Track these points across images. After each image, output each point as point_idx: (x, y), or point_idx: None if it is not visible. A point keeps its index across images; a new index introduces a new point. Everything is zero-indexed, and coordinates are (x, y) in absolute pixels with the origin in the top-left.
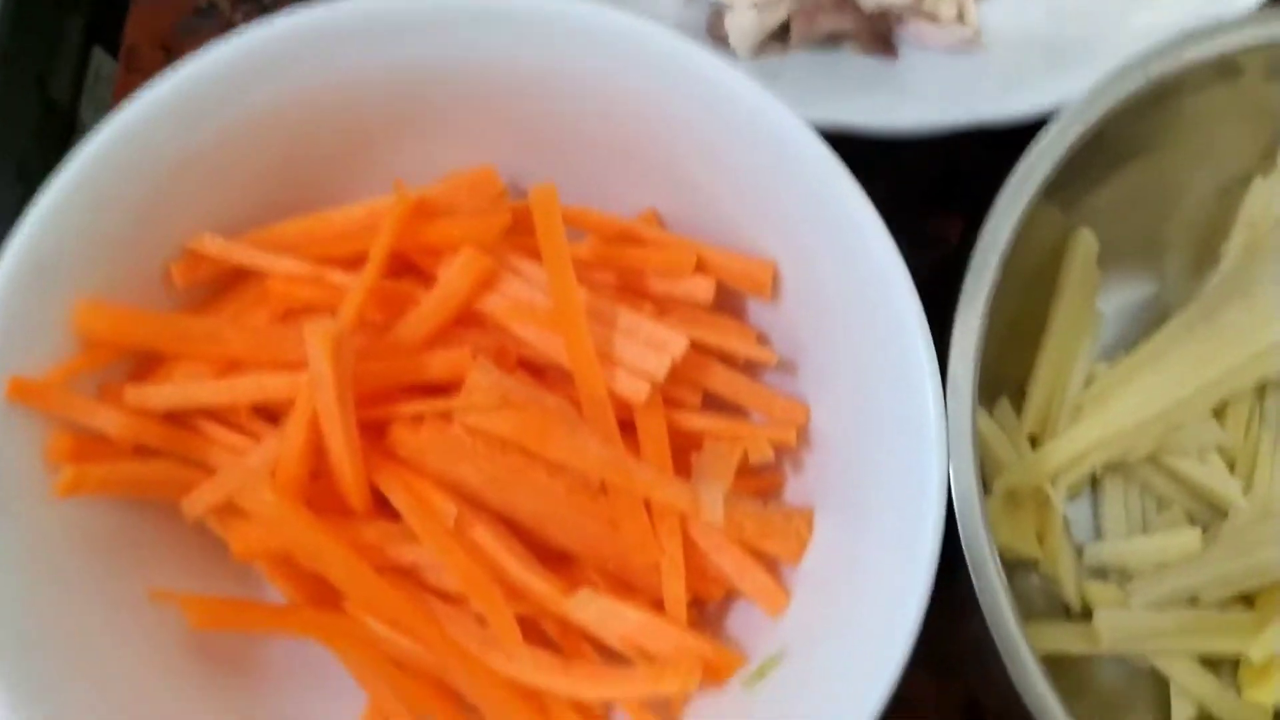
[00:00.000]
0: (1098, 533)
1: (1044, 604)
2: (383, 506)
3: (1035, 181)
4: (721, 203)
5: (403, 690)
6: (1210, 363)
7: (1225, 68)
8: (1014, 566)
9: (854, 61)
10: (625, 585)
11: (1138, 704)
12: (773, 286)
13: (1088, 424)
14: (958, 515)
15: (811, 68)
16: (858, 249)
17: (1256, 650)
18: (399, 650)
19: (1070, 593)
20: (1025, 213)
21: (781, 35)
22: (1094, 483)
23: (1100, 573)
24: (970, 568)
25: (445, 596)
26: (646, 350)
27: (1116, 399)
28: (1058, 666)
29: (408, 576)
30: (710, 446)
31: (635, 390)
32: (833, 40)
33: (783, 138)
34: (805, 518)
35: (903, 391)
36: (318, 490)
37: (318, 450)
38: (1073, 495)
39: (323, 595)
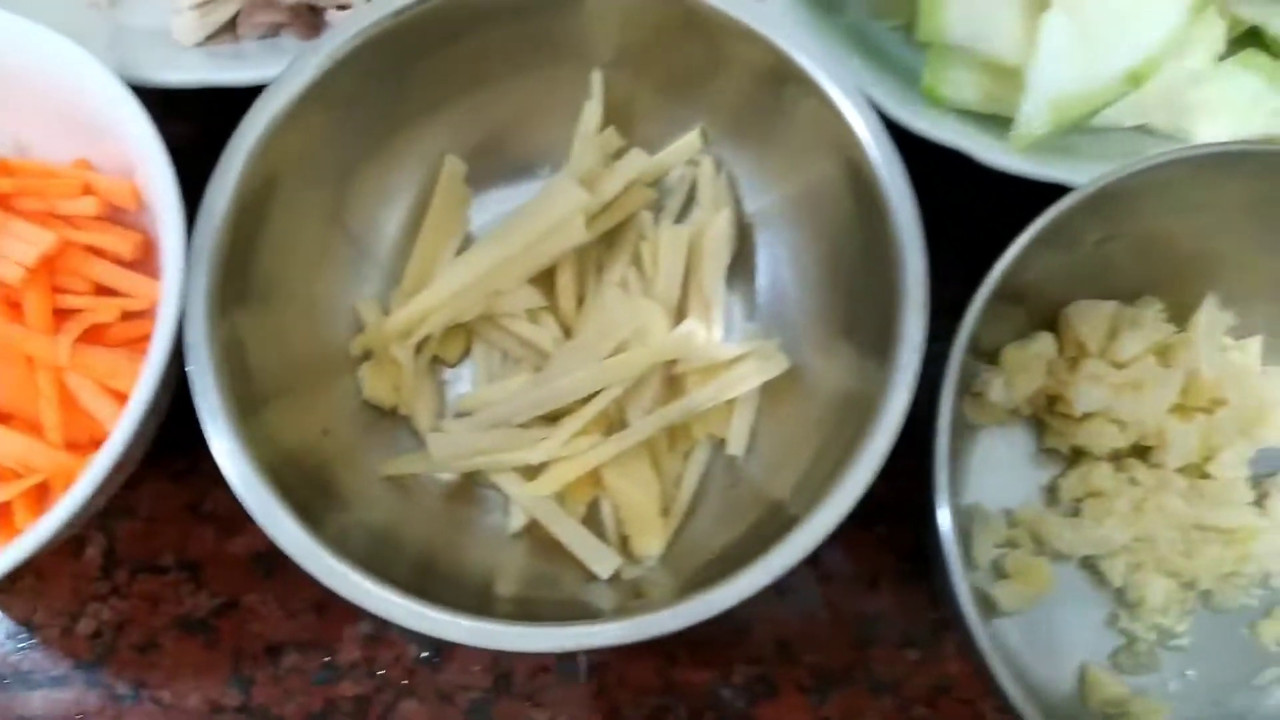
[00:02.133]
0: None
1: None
2: None
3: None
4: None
5: None
6: (512, 239)
7: None
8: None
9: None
10: (15, 419)
11: None
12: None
13: (421, 295)
14: None
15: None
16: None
17: (535, 454)
18: None
19: (423, 430)
20: None
21: (231, 27)
22: None
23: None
24: None
25: None
26: (24, 245)
27: (444, 275)
28: None
29: None
30: (78, 316)
31: (12, 274)
32: (274, 29)
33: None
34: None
35: None
36: None
37: None
38: (459, 360)
39: None
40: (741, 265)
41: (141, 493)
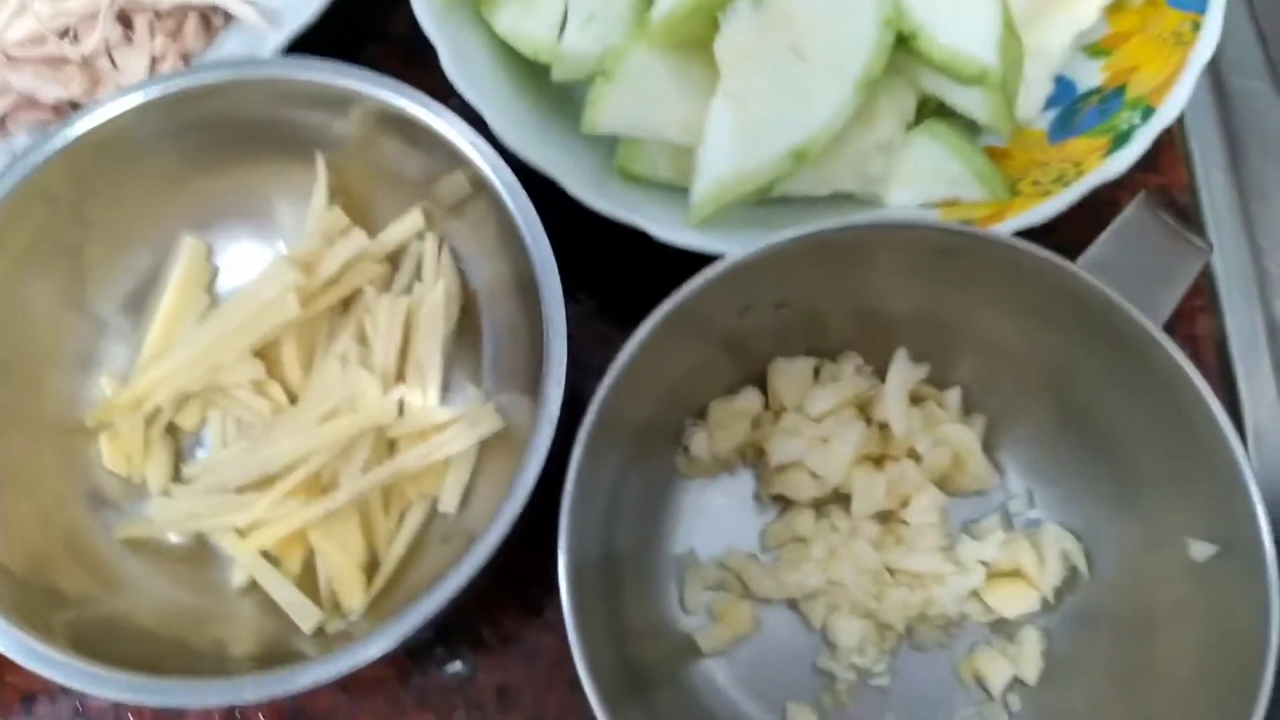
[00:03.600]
0: None
1: None
2: None
3: None
4: None
5: None
6: (231, 316)
7: None
8: None
9: None
10: None
11: None
12: None
13: (149, 369)
14: None
15: None
16: None
17: (243, 517)
18: None
19: (154, 495)
20: None
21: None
22: None
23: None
24: None
25: None
26: None
27: (171, 350)
28: None
29: None
30: None
31: None
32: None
33: None
34: None
35: None
36: None
37: None
38: (198, 428)
39: None
40: (470, 334)
41: None
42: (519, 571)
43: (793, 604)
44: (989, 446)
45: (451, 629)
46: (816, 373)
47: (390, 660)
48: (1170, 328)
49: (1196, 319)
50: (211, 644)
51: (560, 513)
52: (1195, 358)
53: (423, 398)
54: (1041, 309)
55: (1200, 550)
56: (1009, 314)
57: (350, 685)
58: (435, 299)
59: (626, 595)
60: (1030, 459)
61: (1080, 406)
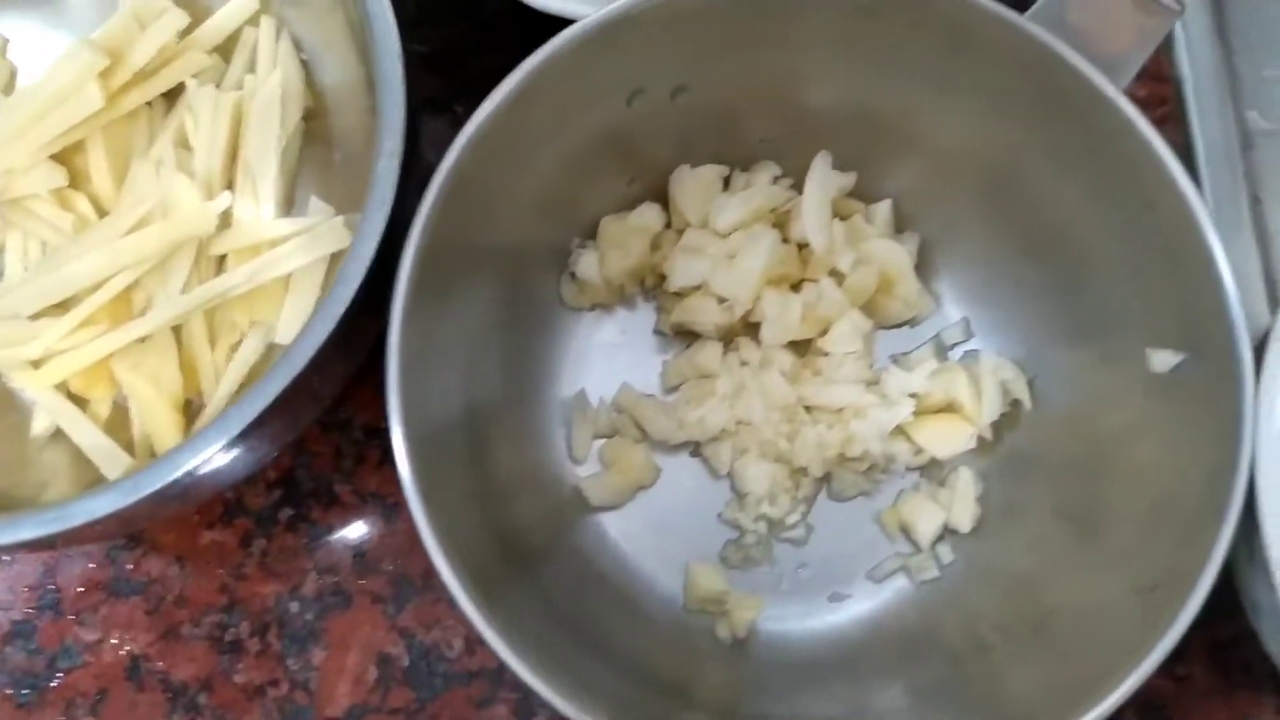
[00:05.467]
0: None
1: None
2: None
3: None
4: None
5: None
6: (20, 109)
7: None
8: None
9: None
10: None
11: None
12: None
13: None
14: None
15: None
16: None
17: (32, 348)
18: None
19: None
20: None
21: None
22: None
23: None
24: None
25: None
26: None
27: None
28: None
29: None
30: None
31: None
32: None
33: None
34: None
35: None
36: None
37: None
38: None
39: None
40: (319, 143)
41: None
42: (379, 417)
43: (697, 450)
44: (924, 273)
45: (301, 486)
46: (727, 184)
47: (231, 524)
48: None
49: (1161, 130)
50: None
51: (387, 363)
52: None
53: (255, 208)
54: (983, 84)
55: (1162, 360)
56: (946, 97)
57: (186, 554)
58: (269, 92)
59: (499, 450)
60: (969, 283)
61: (1029, 208)
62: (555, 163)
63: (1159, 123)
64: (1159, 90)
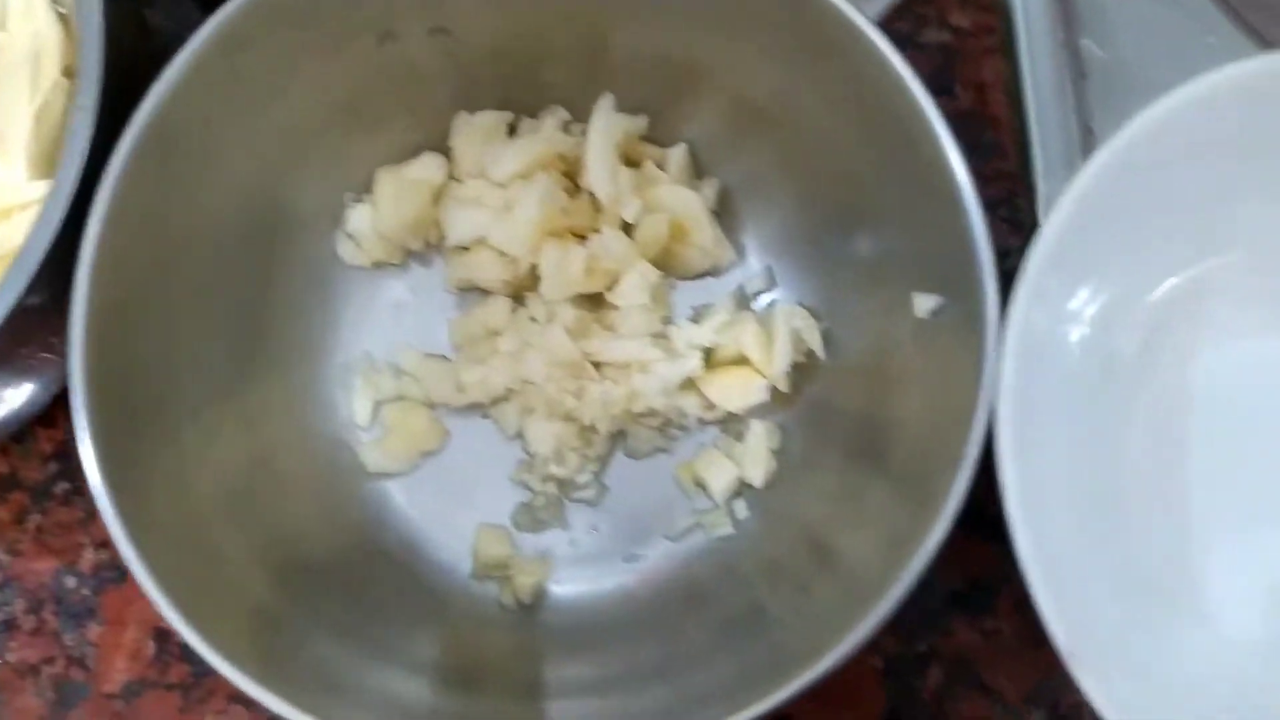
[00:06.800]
0: None
1: None
2: None
3: None
4: None
5: None
6: None
7: None
8: None
9: None
10: None
11: None
12: None
13: None
14: None
15: None
16: None
17: None
18: None
19: None
20: None
21: None
22: None
23: None
24: None
25: None
26: None
27: None
28: None
29: None
30: None
31: None
32: None
33: None
34: None
35: None
36: None
37: None
38: None
39: None
40: None
41: None
42: None
43: (487, 412)
44: (728, 222)
45: (76, 459)
46: (515, 132)
47: (4, 499)
48: (951, 73)
49: (985, 61)
50: None
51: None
52: (982, 108)
53: (7, 173)
54: (757, 24)
55: (923, 304)
56: (730, 39)
57: None
58: (19, 46)
59: (267, 427)
60: (771, 232)
61: (815, 154)
62: (302, 113)
63: (986, 53)
64: (985, 20)
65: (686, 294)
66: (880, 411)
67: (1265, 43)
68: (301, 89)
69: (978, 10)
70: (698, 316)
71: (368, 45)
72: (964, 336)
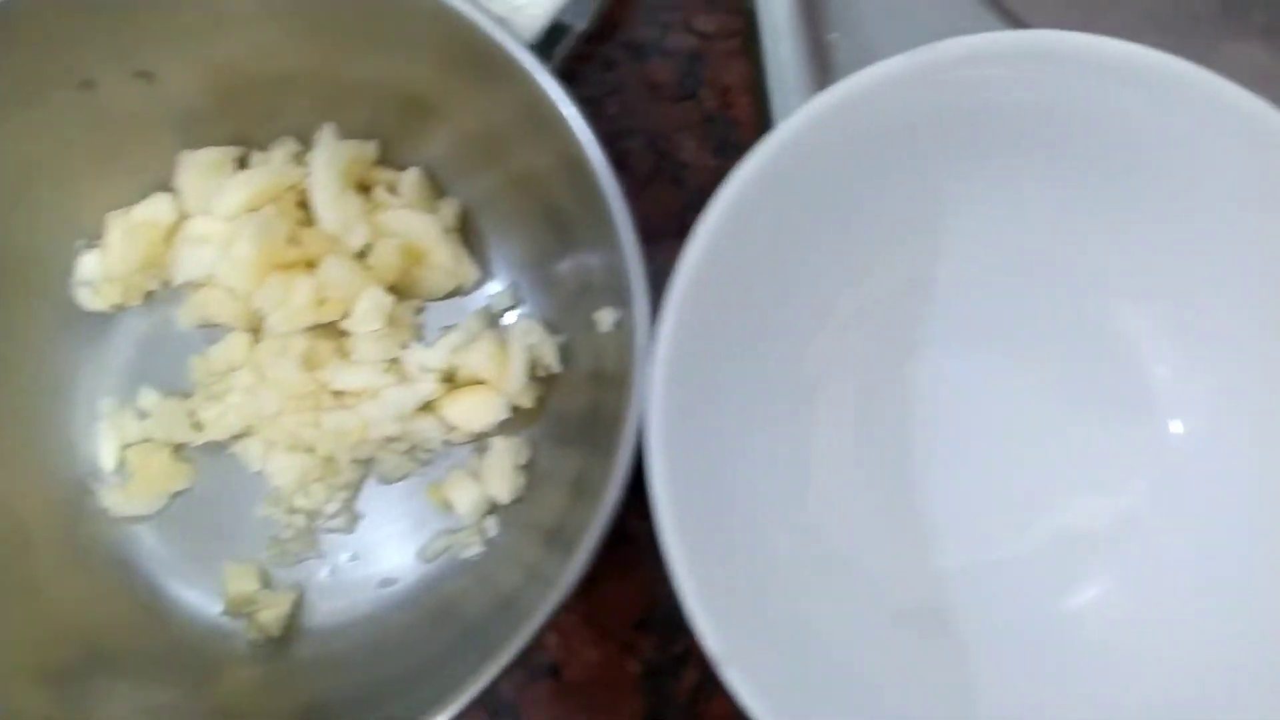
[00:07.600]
0: None
1: None
2: None
3: None
4: None
5: None
6: None
7: None
8: None
9: None
10: None
11: None
12: None
13: None
14: None
15: None
16: None
17: None
18: None
19: None
20: None
21: None
22: None
23: None
24: None
25: None
26: None
27: None
28: None
29: None
30: None
31: None
32: None
33: None
34: None
35: None
36: None
37: None
38: None
39: None
40: None
41: None
42: None
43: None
44: (475, 241)
45: None
46: (245, 165)
47: None
48: (698, 77)
49: (730, 64)
50: None
51: None
52: (727, 110)
53: None
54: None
55: (604, 318)
56: (435, 71)
57: None
58: None
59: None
60: (514, 248)
61: (520, 172)
62: (14, 165)
63: (730, 55)
64: (730, 23)
65: (438, 315)
66: (600, 423)
67: (1023, 27)
68: (6, 142)
69: (726, 14)
70: (437, 339)
71: (69, 94)
72: (625, 348)
